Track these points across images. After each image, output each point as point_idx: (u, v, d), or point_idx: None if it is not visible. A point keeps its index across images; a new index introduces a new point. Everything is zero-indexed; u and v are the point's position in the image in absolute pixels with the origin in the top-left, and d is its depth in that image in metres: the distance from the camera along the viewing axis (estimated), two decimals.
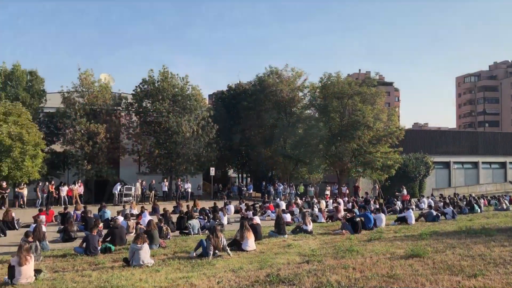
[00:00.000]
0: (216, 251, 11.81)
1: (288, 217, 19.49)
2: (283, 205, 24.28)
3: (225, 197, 31.79)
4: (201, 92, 36.40)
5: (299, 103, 41.55)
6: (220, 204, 24.83)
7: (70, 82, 48.84)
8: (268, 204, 25.07)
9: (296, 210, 22.18)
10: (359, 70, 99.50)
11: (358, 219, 17.19)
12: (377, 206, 22.95)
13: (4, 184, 26.19)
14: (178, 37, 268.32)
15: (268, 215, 22.37)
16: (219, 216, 18.88)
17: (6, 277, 9.13)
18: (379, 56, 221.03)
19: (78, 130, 31.73)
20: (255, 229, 14.28)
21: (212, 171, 35.57)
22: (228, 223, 19.61)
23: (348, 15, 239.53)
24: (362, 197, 32.70)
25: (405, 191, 31.82)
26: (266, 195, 35.17)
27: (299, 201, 27.35)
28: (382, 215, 19.04)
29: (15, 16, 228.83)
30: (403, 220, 19.70)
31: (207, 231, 16.59)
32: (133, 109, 35.11)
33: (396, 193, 33.69)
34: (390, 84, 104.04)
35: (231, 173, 59.77)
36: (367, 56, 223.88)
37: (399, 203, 27.75)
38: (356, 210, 21.60)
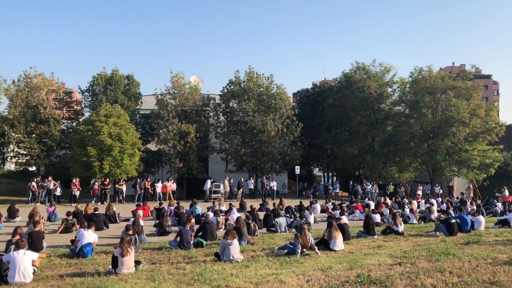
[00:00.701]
0: (304, 250, 11.77)
1: (377, 217, 18.90)
2: (372, 205, 23.59)
3: (311, 196, 31.63)
4: (286, 91, 36.53)
5: (388, 99, 40.10)
6: (306, 202, 24.72)
7: (163, 85, 51.43)
8: (355, 204, 24.50)
9: (386, 210, 21.41)
10: (453, 63, 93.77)
11: (453, 220, 16.14)
12: (474, 208, 21.38)
13: (106, 180, 28.36)
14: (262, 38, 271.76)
15: (356, 215, 21.85)
16: (306, 214, 18.81)
17: (110, 266, 9.86)
18: (475, 47, 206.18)
19: (170, 130, 33.42)
20: (343, 228, 14.02)
21: (297, 169, 35.55)
22: (314, 222, 19.46)
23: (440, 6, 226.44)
24: (457, 198, 30.73)
25: (506, 192, 29.37)
26: (353, 194, 34.41)
27: (388, 201, 26.38)
28: (481, 217, 17.67)
29: (117, 23, 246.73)
30: (505, 223, 18.15)
31: (293, 230, 16.61)
32: (221, 109, 36.20)
33: (496, 194, 31.20)
34: (488, 77, 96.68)
35: (316, 171, 59.33)
36: (462, 48, 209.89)
37: (499, 204, 25.67)
38: (451, 211, 20.35)
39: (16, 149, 35.68)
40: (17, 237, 11.05)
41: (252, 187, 33.78)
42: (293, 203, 24.72)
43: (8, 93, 35.76)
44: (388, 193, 35.77)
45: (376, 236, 15.20)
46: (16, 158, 36.28)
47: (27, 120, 33.68)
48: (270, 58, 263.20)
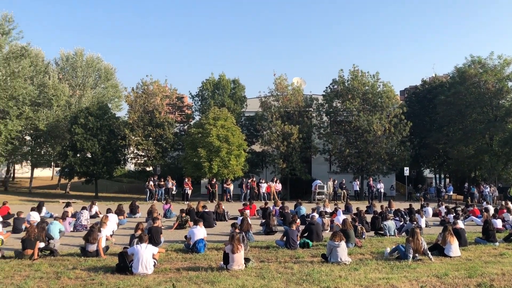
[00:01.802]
0: (416, 255, 11.20)
1: (498, 223, 17.29)
2: (491, 209, 21.65)
3: (421, 198, 29.94)
4: (393, 88, 35.10)
5: (509, 94, 36.53)
6: (416, 205, 23.49)
7: (266, 87, 52.52)
8: (472, 208, 22.66)
9: (508, 216, 19.50)
10: None
11: None
12: None
13: (213, 180, 29.69)
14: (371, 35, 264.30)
15: (472, 220, 20.21)
16: (417, 218, 17.84)
17: (222, 262, 10.29)
18: None
19: (274, 132, 33.99)
20: (459, 234, 13.06)
21: (406, 170, 33.91)
22: (426, 226, 18.39)
23: None
24: None
25: None
26: (469, 197, 31.87)
27: (510, 205, 23.97)
28: None
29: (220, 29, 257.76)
30: None
31: (404, 233, 15.87)
32: (324, 110, 35.93)
33: None
34: None
35: (427, 173, 56.10)
36: None
37: None
38: None
39: (135, 151, 38.96)
40: (139, 231, 12.02)
41: (358, 188, 32.97)
42: (402, 205, 23.65)
43: (128, 100, 39.29)
44: (509, 196, 32.53)
45: (497, 243, 13.93)
46: (136, 159, 39.54)
47: (145, 124, 36.59)
48: (375, 56, 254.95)
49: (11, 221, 16.81)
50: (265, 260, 11.27)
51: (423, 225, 17.99)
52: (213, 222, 17.93)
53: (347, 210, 22.31)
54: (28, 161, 43.90)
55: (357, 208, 19.36)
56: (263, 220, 17.60)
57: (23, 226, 15.56)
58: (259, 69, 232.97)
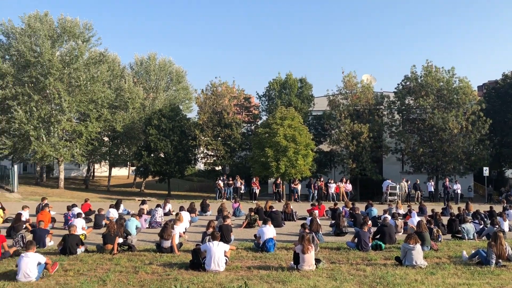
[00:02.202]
0: (500, 260, 10.47)
1: None
2: None
3: (504, 200, 28.01)
4: (470, 84, 33.13)
5: None
6: (497, 208, 22.00)
7: (334, 85, 51.76)
8: None
9: None
10: None
11: None
12: None
13: (279, 180, 29.62)
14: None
15: None
16: (499, 221, 16.68)
17: (292, 262, 10.25)
18: None
19: (343, 131, 33.37)
20: None
21: (486, 171, 31.83)
22: (509, 230, 17.16)
23: None
24: None
25: None
26: None
27: None
28: None
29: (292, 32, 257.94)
30: None
31: (484, 237, 14.93)
32: (395, 107, 34.72)
33: None
34: None
35: (509, 173, 52.37)
36: None
37: None
38: None
39: (205, 151, 40.04)
40: (211, 229, 12.29)
41: (432, 189, 31.44)
42: (481, 208, 22.22)
43: (198, 101, 40.48)
44: None
45: None
46: (205, 159, 40.62)
47: (214, 124, 37.50)
48: (450, 50, 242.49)
49: (92, 217, 17.91)
50: (336, 261, 11.08)
51: (506, 229, 16.79)
52: (282, 221, 17.92)
53: (421, 211, 21.37)
54: (106, 161, 46.57)
55: (432, 210, 18.47)
56: (333, 221, 17.34)
57: (103, 222, 16.48)
58: (327, 67, 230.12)
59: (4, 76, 35.19)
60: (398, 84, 34.95)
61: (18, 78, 35.82)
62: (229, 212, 18.19)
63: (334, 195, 29.54)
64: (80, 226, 13.77)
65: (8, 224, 15.42)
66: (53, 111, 36.60)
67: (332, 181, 30.66)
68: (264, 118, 39.22)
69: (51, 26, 36.72)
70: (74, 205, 18.54)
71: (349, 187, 30.94)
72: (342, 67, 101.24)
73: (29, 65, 35.60)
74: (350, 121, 33.25)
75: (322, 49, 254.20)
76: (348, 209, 19.95)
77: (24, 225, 14.84)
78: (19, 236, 12.78)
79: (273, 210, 18.31)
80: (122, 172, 57.59)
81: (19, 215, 15.36)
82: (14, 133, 36.00)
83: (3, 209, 18.43)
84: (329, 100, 35.84)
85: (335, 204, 21.10)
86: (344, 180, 31.32)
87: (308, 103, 38.00)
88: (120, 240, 12.29)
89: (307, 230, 12.77)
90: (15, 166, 34.18)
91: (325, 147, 37.23)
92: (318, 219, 15.84)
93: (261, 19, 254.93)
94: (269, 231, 12.82)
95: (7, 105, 35.49)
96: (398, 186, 29.42)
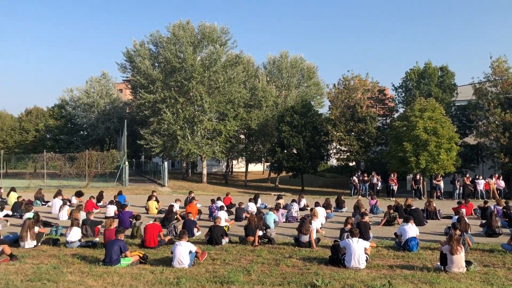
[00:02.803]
0: None
1: None
2: None
3: None
4: None
5: None
6: None
7: (481, 72, 47.06)
8: None
9: None
10: None
11: None
12: None
13: (418, 176, 27.83)
14: None
15: None
16: None
17: (439, 263, 9.57)
18: None
19: (492, 122, 30.24)
20: None
21: None
22: None
23: None
24: None
25: None
26: None
27: None
28: None
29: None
30: None
31: None
32: None
33: None
34: None
35: None
36: None
37: None
38: None
39: (337, 146, 39.63)
40: (349, 226, 12.11)
41: None
42: None
43: (330, 96, 40.25)
44: None
45: None
46: (338, 154, 40.22)
47: (346, 119, 36.90)
48: None
49: (233, 210, 18.95)
50: (490, 264, 10.04)
51: None
52: (423, 220, 16.88)
53: None
54: (243, 157, 48.96)
55: None
56: (483, 221, 15.81)
57: (243, 215, 17.34)
58: (471, 54, 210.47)
59: (155, 82, 39.20)
60: None
61: (165, 83, 39.55)
62: (366, 209, 17.74)
63: (483, 192, 26.86)
64: (223, 218, 14.68)
65: (162, 215, 17.08)
66: (196, 112, 39.63)
67: (480, 177, 27.88)
68: (401, 110, 37.33)
69: (192, 33, 39.78)
70: (218, 198, 19.87)
71: (501, 184, 27.82)
72: (490, 52, 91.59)
73: (175, 70, 39.07)
74: (501, 111, 29.89)
75: (465, 35, 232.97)
76: (500, 207, 17.97)
77: (176, 216, 16.32)
78: (172, 226, 14.08)
79: (413, 208, 17.35)
80: (257, 168, 60.00)
81: (171, 206, 16.94)
82: (164, 133, 39.81)
83: (157, 201, 20.49)
84: (475, 88, 32.64)
85: (485, 203, 19.23)
86: (496, 176, 28.25)
87: (451, 93, 35.13)
88: (260, 233, 12.78)
89: (458, 232, 11.80)
90: (165, 163, 37.77)
91: (471, 140, 34.03)
92: (466, 218, 14.59)
93: (395, 7, 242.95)
94: (411, 229, 12.16)
95: (157, 108, 39.44)
96: None
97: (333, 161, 47.84)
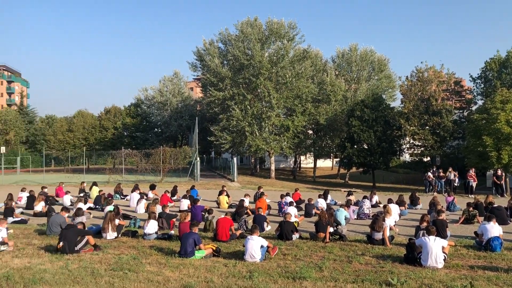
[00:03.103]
0: None
1: None
2: None
3: None
4: None
5: None
6: None
7: None
8: None
9: None
10: None
11: None
12: None
13: (500, 171, 26.05)
14: None
15: None
16: None
17: None
18: None
19: None
20: None
21: None
22: None
23: None
24: None
25: None
26: None
27: None
28: None
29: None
30: None
31: None
32: None
33: None
34: None
35: None
36: None
37: None
38: None
39: (411, 141, 38.18)
40: (425, 223, 11.62)
41: None
42: None
43: (402, 89, 38.83)
44: None
45: None
46: (411, 149, 38.76)
47: (420, 112, 35.42)
48: None
49: (302, 206, 18.88)
50: None
51: None
52: (507, 219, 15.77)
53: None
54: (311, 153, 48.63)
55: None
56: None
57: (313, 211, 17.22)
58: None
59: (224, 79, 40.02)
60: None
61: (234, 80, 40.23)
62: (442, 206, 16.93)
63: None
64: (293, 214, 14.67)
65: (233, 210, 17.41)
66: (264, 108, 39.95)
67: None
68: (480, 102, 35.21)
69: (260, 30, 40.09)
70: (287, 194, 19.90)
71: None
72: None
73: (243, 67, 39.62)
74: None
75: None
76: None
77: (246, 211, 16.56)
78: (242, 220, 14.31)
79: (495, 205, 16.26)
80: (326, 164, 59.35)
81: (242, 201, 17.22)
82: (233, 129, 40.55)
83: (228, 196, 20.92)
84: None
85: None
86: None
87: None
88: (331, 229, 12.62)
89: None
90: (234, 159, 38.48)
91: None
92: None
93: None
94: (493, 228, 11.41)
95: (226, 105, 40.25)
96: None
97: (406, 157, 46.25)
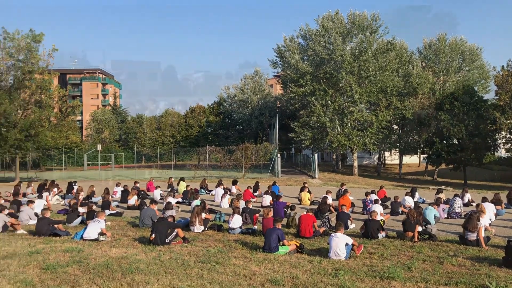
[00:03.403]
0: None
1: None
2: None
3: None
4: None
5: None
6: None
7: None
8: None
9: None
10: None
11: None
12: None
13: None
14: None
15: None
16: None
17: None
18: None
19: None
20: None
21: None
22: None
23: None
24: None
25: None
26: None
27: None
28: None
29: None
30: None
31: None
32: None
33: None
34: None
35: None
36: None
37: None
38: None
39: (507, 135, 35.32)
40: None
41: None
42: None
43: (497, 80, 35.96)
44: None
45: None
46: (509, 145, 35.86)
47: None
48: None
49: (388, 204, 18.23)
50: None
51: None
52: None
53: None
54: (396, 149, 46.75)
55: None
56: None
57: (400, 210, 16.57)
58: None
59: (304, 75, 39.78)
60: None
61: (314, 76, 39.85)
62: None
63: None
64: (379, 212, 14.22)
65: (315, 206, 17.25)
66: (346, 103, 39.15)
67: None
68: None
69: (341, 23, 39.30)
70: (372, 191, 19.34)
71: None
72: None
73: (324, 62, 39.11)
74: None
75: None
76: None
77: (329, 208, 16.34)
78: (325, 217, 14.14)
79: None
80: (412, 160, 56.74)
81: (325, 198, 17.00)
82: (313, 125, 40.20)
83: (310, 193, 20.78)
84: None
85: None
86: None
87: None
88: (420, 228, 12.05)
89: None
90: (315, 155, 38.17)
91: None
92: None
93: None
94: None
95: (306, 101, 40.01)
96: None
97: (501, 152, 42.86)
